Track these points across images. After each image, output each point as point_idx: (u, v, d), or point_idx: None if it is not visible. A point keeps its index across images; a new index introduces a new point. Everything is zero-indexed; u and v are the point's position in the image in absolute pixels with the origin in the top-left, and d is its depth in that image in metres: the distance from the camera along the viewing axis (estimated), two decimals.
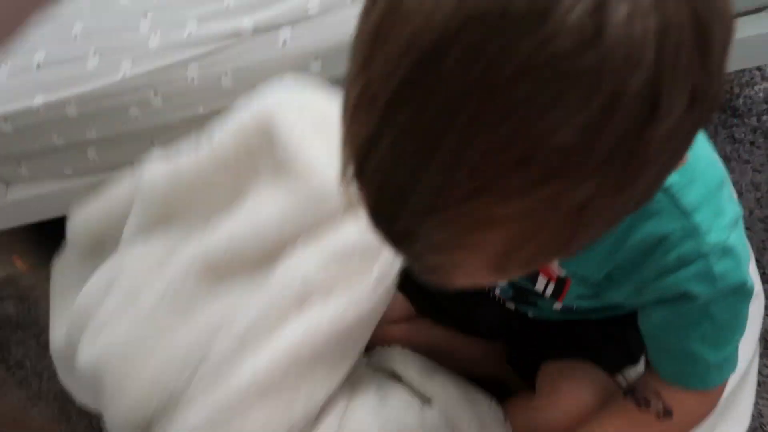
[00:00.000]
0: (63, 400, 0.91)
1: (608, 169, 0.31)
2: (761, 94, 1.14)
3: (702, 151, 0.50)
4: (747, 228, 0.93)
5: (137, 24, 0.86)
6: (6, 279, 1.34)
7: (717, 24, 0.31)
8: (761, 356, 0.88)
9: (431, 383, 0.67)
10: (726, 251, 0.50)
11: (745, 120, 1.11)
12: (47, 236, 1.32)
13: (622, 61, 0.29)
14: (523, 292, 0.62)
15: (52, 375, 0.92)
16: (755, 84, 1.19)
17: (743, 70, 1.18)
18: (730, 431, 0.72)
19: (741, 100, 1.13)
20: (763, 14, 0.89)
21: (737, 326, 0.56)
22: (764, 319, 0.79)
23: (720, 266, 0.49)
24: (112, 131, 0.87)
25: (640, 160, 0.32)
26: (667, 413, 0.61)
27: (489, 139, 0.30)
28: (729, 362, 0.58)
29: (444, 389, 0.67)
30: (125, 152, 0.90)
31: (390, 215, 0.35)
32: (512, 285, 0.63)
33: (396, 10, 0.32)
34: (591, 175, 0.31)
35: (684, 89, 0.31)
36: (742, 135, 1.05)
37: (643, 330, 0.58)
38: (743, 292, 0.52)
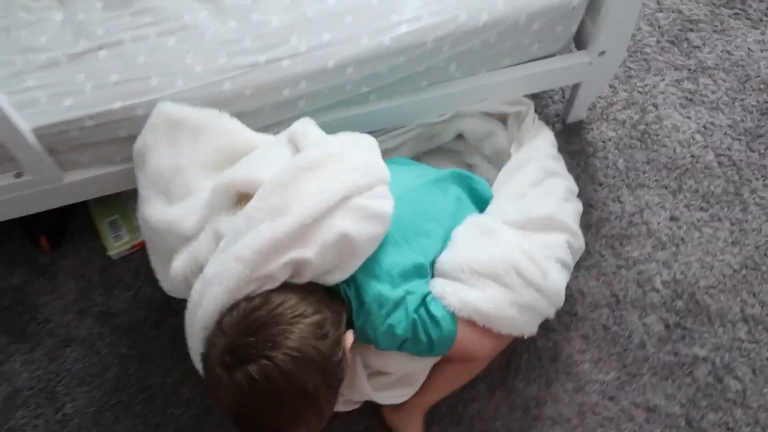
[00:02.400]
0: None
1: (315, 407, 1.01)
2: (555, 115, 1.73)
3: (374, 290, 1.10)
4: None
5: (184, 58, 1.34)
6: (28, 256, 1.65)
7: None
8: None
9: None
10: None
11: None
12: (66, 220, 1.67)
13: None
14: None
15: None
16: (548, 106, 1.78)
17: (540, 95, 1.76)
18: None
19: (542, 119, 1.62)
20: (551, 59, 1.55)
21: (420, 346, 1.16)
22: None
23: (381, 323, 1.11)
24: None
25: (320, 403, 1.01)
26: None
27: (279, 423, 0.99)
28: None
29: None
30: None
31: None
32: None
33: (217, 386, 0.97)
34: (312, 412, 1.01)
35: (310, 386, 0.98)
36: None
37: None
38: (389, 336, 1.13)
